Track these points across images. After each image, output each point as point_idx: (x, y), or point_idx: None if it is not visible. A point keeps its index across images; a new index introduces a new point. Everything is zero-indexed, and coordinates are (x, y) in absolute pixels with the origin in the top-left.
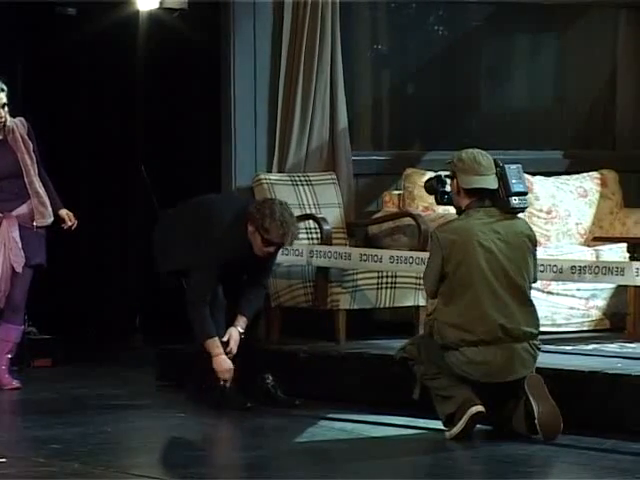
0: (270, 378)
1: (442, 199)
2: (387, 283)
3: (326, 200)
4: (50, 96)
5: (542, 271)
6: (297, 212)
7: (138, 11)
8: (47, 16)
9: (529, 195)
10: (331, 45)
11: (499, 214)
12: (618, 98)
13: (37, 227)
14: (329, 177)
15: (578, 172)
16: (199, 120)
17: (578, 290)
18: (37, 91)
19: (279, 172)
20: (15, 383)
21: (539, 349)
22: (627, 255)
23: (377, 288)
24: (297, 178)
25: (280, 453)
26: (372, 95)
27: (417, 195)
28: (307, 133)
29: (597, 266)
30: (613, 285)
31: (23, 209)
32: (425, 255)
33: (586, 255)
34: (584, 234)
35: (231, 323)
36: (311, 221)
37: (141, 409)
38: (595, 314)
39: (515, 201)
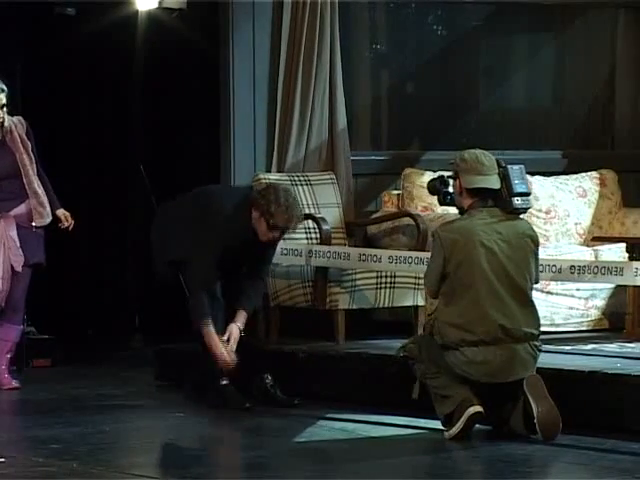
0: (269, 378)
1: (445, 200)
2: (386, 283)
3: (325, 200)
4: (49, 96)
5: (541, 271)
6: None
7: (137, 11)
8: (46, 16)
9: (531, 195)
10: (330, 45)
11: (501, 214)
12: (617, 98)
13: (35, 227)
14: (328, 177)
15: (577, 172)
16: (198, 120)
17: (577, 290)
18: (36, 91)
19: (278, 172)
20: (14, 383)
21: (540, 350)
22: (626, 255)
23: (376, 288)
24: (296, 178)
25: (279, 453)
26: (371, 95)
27: (416, 195)
28: (306, 133)
29: (596, 266)
30: (612, 285)
31: (21, 209)
32: (424, 255)
33: (585, 255)
34: (583, 234)
35: (231, 320)
36: (310, 221)
37: (140, 409)
38: (594, 314)
39: (518, 201)
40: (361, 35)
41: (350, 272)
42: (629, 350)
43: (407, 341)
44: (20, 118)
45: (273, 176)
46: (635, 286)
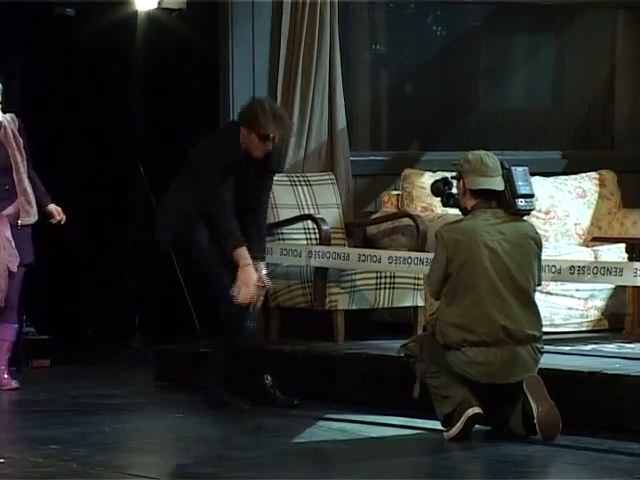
0: (269, 378)
1: (448, 201)
2: (386, 283)
3: (325, 200)
4: (49, 96)
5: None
6: (296, 212)
7: (137, 11)
8: (46, 16)
9: (536, 197)
10: (329, 45)
11: (505, 215)
12: (617, 98)
13: (22, 225)
14: (328, 177)
15: (577, 172)
16: (198, 120)
17: (577, 290)
18: (35, 91)
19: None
20: (14, 383)
21: (541, 352)
22: (626, 255)
23: (375, 288)
24: (296, 178)
25: (278, 453)
26: (371, 95)
27: (416, 195)
28: (306, 133)
29: (596, 266)
30: (612, 285)
31: (12, 209)
32: (424, 255)
33: (585, 255)
34: (583, 234)
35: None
36: (310, 221)
37: (139, 409)
38: (594, 314)
39: (521, 203)
40: (361, 35)
41: (350, 272)
42: (628, 350)
43: (409, 340)
44: (13, 115)
45: None
46: (634, 287)
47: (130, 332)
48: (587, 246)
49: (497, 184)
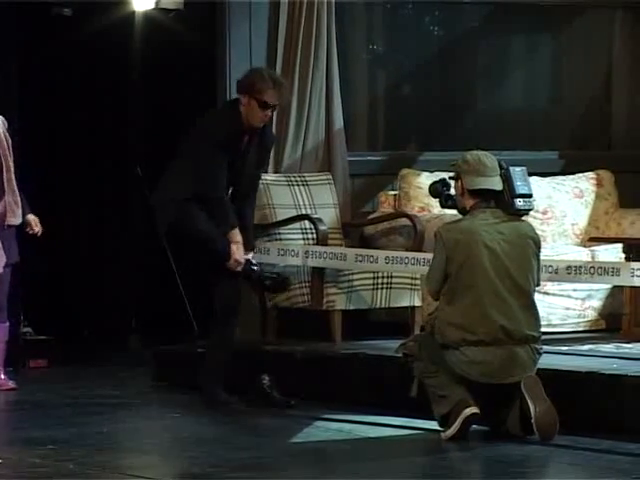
0: (266, 378)
1: (446, 202)
2: (383, 284)
3: (322, 200)
4: (46, 96)
5: None
6: (293, 213)
7: (134, 12)
8: (43, 16)
9: (534, 197)
10: (327, 45)
11: (504, 215)
12: (614, 98)
13: (8, 226)
14: (325, 177)
15: (574, 172)
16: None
17: (574, 290)
18: (33, 91)
19: (275, 172)
20: (11, 384)
21: (540, 353)
22: (623, 256)
23: (373, 289)
24: (293, 178)
25: (276, 453)
26: (368, 95)
27: (413, 195)
28: (303, 133)
29: (593, 267)
30: (609, 286)
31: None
32: (421, 255)
33: (582, 256)
34: (580, 235)
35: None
36: (307, 221)
37: (137, 410)
38: (591, 314)
39: (520, 203)
40: (358, 35)
41: (347, 273)
42: (626, 351)
43: (408, 339)
44: (1, 117)
45: (270, 176)
46: (632, 287)
47: (128, 333)
48: (584, 246)
49: (495, 184)
